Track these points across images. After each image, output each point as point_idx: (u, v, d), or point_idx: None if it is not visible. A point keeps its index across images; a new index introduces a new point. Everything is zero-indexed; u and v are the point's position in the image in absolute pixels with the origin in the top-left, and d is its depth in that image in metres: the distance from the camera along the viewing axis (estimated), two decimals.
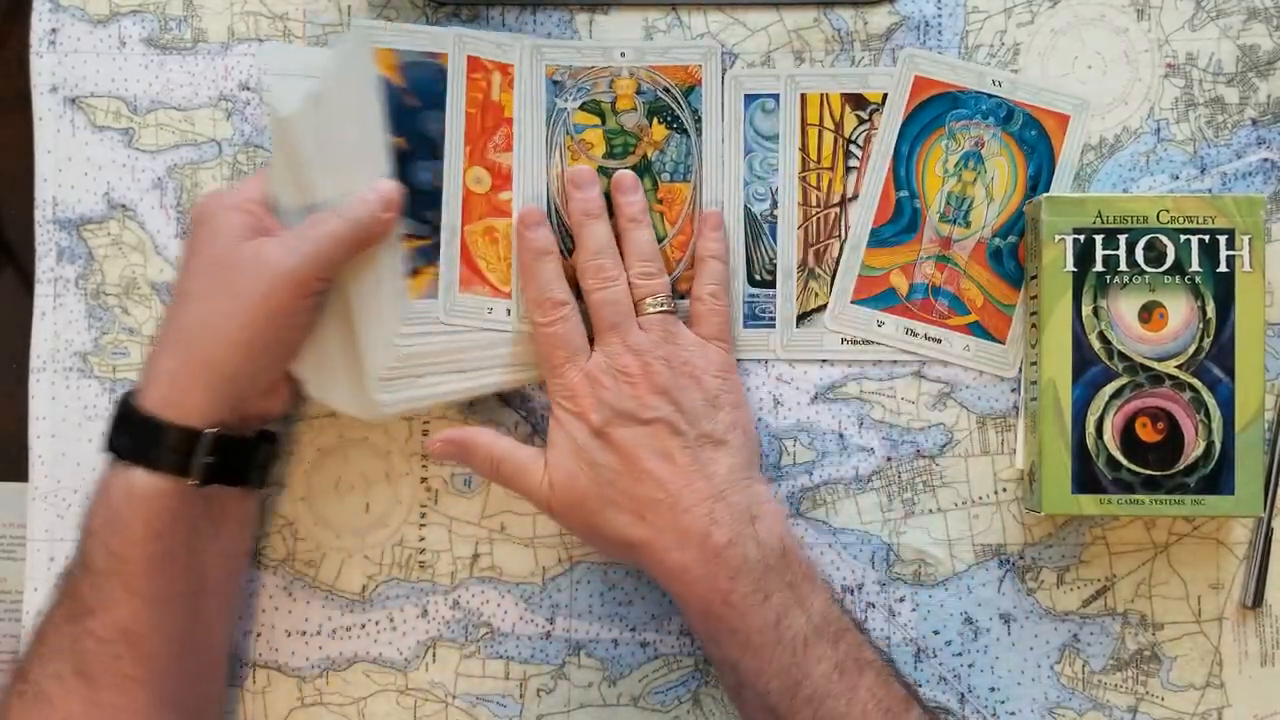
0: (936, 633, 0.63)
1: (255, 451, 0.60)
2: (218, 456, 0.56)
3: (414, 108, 0.61)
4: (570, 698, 0.63)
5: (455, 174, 0.62)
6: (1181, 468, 0.59)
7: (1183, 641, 0.63)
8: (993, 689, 0.63)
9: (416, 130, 0.61)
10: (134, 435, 0.56)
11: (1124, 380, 0.59)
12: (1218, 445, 0.59)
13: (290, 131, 0.58)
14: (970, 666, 0.63)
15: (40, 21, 0.65)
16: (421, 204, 0.61)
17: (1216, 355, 0.59)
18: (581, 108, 0.64)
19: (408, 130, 0.61)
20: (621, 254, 0.62)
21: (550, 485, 0.58)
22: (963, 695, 0.63)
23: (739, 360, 0.64)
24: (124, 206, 0.65)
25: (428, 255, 0.61)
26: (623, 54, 0.64)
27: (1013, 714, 0.63)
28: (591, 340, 0.60)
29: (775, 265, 0.64)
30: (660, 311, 0.60)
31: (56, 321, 0.64)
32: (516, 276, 0.62)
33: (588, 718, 0.63)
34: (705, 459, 0.57)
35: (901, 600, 0.63)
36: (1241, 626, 0.63)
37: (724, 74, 0.64)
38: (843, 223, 0.64)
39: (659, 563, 0.56)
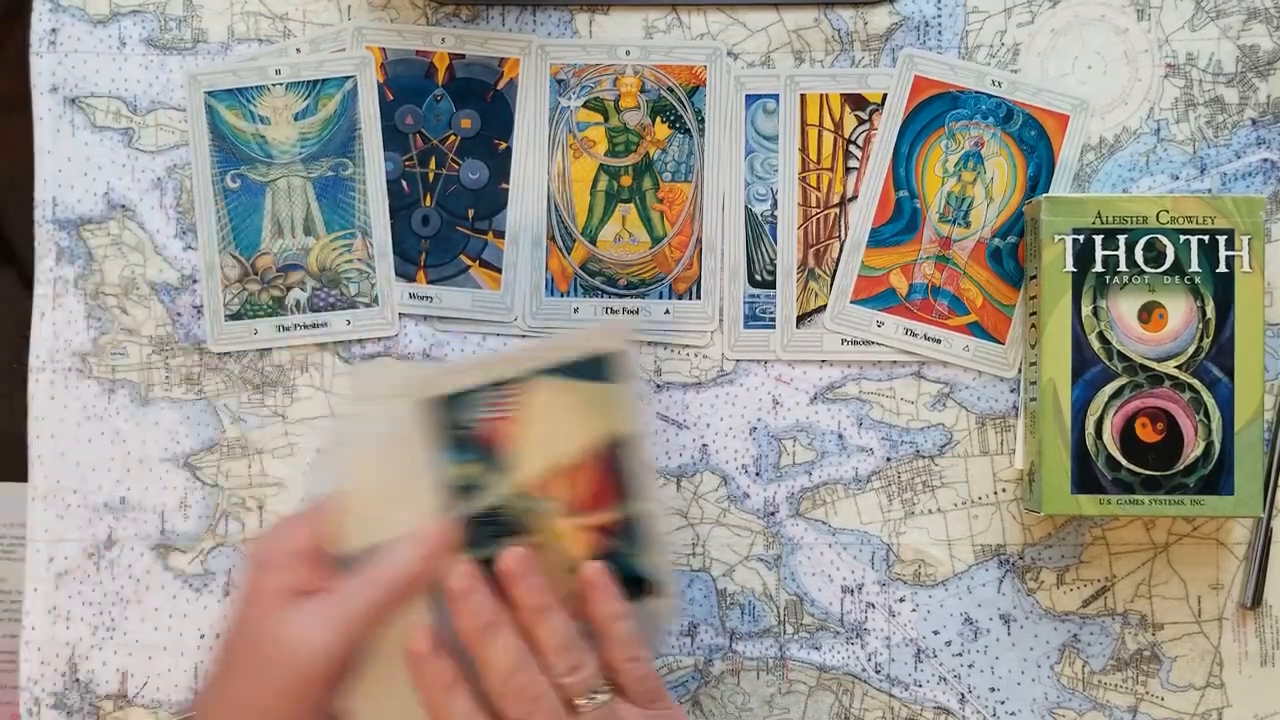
0: (936, 633, 0.63)
1: None
2: None
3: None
4: None
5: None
6: (1181, 468, 0.59)
7: (1182, 642, 0.63)
8: (993, 689, 0.63)
9: (388, 122, 0.64)
10: None
11: (1123, 380, 0.59)
12: (1217, 445, 0.59)
13: (361, 467, 0.52)
14: (970, 666, 0.63)
15: (40, 21, 0.65)
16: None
17: (1216, 355, 0.59)
18: (585, 105, 0.64)
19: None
20: (533, 650, 0.50)
21: None
22: (963, 695, 0.63)
23: (739, 361, 0.64)
24: (123, 206, 0.64)
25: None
26: (628, 52, 0.64)
27: (1013, 714, 0.63)
28: None
29: (775, 265, 0.64)
30: (600, 707, 0.51)
31: (56, 322, 0.64)
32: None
33: None
34: None
35: (901, 600, 0.63)
36: (1241, 627, 0.63)
37: (730, 76, 0.64)
38: (842, 223, 0.64)
39: None
